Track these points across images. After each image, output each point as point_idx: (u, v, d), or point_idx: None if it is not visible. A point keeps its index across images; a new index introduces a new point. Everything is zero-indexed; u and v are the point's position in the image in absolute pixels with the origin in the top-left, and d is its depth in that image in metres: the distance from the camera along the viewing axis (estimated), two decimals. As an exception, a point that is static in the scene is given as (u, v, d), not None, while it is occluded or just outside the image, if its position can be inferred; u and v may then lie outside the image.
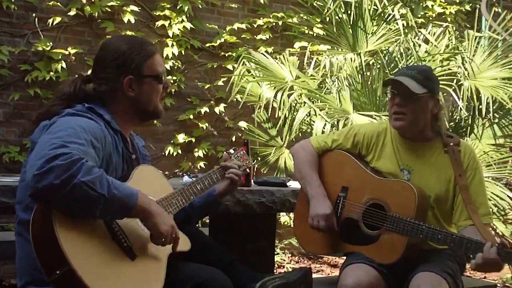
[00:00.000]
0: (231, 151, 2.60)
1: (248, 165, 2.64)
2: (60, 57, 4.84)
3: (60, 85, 4.76)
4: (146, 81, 2.11)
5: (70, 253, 1.69)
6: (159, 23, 5.32)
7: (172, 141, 5.41)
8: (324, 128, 4.11)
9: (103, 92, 2.10)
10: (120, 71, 2.08)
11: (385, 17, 4.65)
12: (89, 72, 2.25)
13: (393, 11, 4.63)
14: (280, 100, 4.42)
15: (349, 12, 4.55)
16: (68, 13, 4.94)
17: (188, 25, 5.41)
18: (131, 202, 1.82)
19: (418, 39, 4.63)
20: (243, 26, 5.68)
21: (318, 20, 5.39)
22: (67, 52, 4.89)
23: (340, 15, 4.62)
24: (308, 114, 4.36)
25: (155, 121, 5.17)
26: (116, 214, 1.83)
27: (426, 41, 4.66)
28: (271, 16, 5.82)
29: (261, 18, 5.77)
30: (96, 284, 1.72)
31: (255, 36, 5.78)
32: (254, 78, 4.74)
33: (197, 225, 2.82)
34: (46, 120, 1.98)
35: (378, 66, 4.58)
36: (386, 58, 4.57)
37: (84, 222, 1.80)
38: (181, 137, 5.40)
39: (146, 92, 2.12)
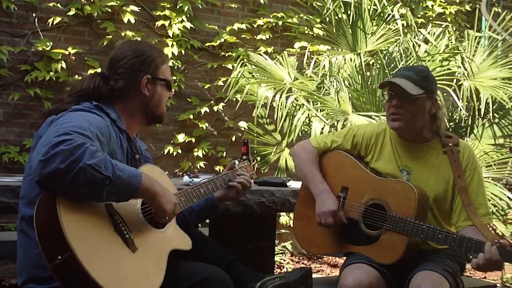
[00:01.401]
0: (236, 162, 2.61)
1: (251, 176, 2.67)
2: (60, 57, 4.84)
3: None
4: (160, 84, 2.20)
5: (72, 239, 1.71)
6: (159, 23, 5.32)
7: (172, 141, 5.41)
8: (322, 129, 4.11)
9: (118, 89, 2.14)
10: (140, 69, 2.15)
11: (385, 17, 4.65)
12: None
13: (392, 11, 4.63)
14: (279, 102, 4.42)
15: (348, 12, 4.55)
16: (68, 13, 4.94)
17: (188, 25, 5.41)
18: (135, 183, 1.85)
19: (417, 39, 4.63)
20: (243, 26, 5.68)
21: (318, 20, 5.39)
22: (67, 52, 4.89)
23: (339, 15, 4.62)
24: (307, 116, 4.36)
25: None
26: (122, 195, 1.86)
27: (426, 41, 4.66)
28: (271, 16, 5.82)
29: (261, 18, 5.77)
30: (97, 272, 1.73)
31: (255, 36, 5.78)
32: (253, 79, 4.74)
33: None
34: (53, 115, 2.00)
35: (378, 66, 4.58)
36: (386, 58, 4.57)
37: (88, 211, 1.82)
38: (181, 137, 5.40)
39: (158, 95, 2.20)
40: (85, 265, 1.71)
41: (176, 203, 2.03)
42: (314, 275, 2.63)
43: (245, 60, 4.82)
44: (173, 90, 2.31)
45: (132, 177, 1.85)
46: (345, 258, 2.69)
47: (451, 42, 4.58)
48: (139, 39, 5.10)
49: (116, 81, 2.15)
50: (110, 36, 5.04)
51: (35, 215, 1.77)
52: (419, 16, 6.41)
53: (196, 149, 5.47)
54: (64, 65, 4.83)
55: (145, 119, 2.23)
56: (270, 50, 5.71)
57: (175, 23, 5.33)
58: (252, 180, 2.67)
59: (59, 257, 1.71)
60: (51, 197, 1.75)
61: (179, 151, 5.40)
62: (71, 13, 4.94)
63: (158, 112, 2.23)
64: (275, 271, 4.29)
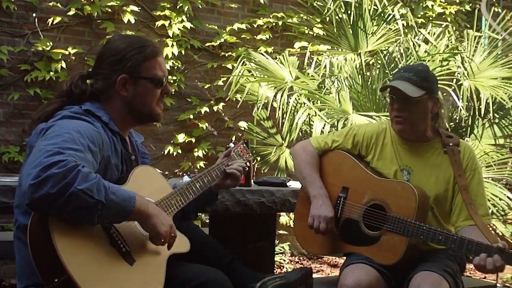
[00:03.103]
0: (231, 145, 2.57)
1: (248, 159, 2.62)
2: (60, 57, 4.84)
3: (60, 85, 4.78)
4: (141, 83, 2.07)
5: (68, 262, 1.67)
6: (159, 23, 5.32)
7: (172, 141, 5.41)
8: (323, 128, 4.11)
9: (98, 89, 2.07)
10: (115, 69, 2.04)
11: (385, 17, 4.65)
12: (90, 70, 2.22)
13: (393, 11, 4.63)
14: (280, 101, 4.42)
15: (349, 12, 4.55)
16: (68, 13, 4.94)
17: (188, 25, 5.41)
18: (128, 206, 1.79)
19: (418, 39, 4.63)
20: (243, 26, 5.68)
21: (318, 20, 5.39)
22: (67, 52, 4.89)
23: (340, 15, 4.62)
24: (308, 115, 4.36)
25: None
26: (114, 219, 1.81)
27: (426, 41, 4.67)
28: (271, 16, 5.82)
29: (261, 18, 5.77)
30: None
31: (255, 36, 5.78)
32: (254, 78, 4.75)
33: (197, 225, 2.81)
34: (43, 121, 1.95)
35: (378, 66, 4.58)
36: (386, 58, 4.57)
37: (82, 228, 1.77)
38: (181, 137, 5.40)
39: (140, 94, 2.07)
40: (83, 287, 1.68)
41: (172, 225, 1.95)
42: (314, 275, 2.63)
43: (246, 59, 4.81)
44: (167, 85, 2.16)
45: (125, 200, 1.78)
46: (345, 258, 2.68)
47: (451, 42, 4.58)
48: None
49: (95, 81, 2.08)
50: (110, 36, 5.03)
51: (29, 236, 1.73)
52: (419, 16, 6.41)
53: (196, 149, 5.46)
54: (64, 65, 4.83)
55: (134, 119, 2.13)
56: (270, 50, 5.70)
57: (175, 23, 5.33)
58: (248, 162, 2.60)
59: (56, 280, 1.68)
60: (43, 217, 1.71)
61: (179, 151, 5.39)
62: (71, 13, 4.94)
63: (145, 111, 2.10)
64: (275, 271, 4.29)
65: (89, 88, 2.08)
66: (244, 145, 2.63)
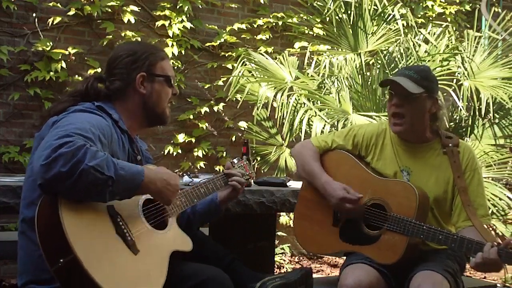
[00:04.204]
0: (235, 160, 2.62)
1: (250, 175, 2.67)
2: (60, 57, 4.83)
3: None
4: (157, 81, 2.18)
5: (75, 242, 1.71)
6: (159, 23, 5.32)
7: (172, 141, 5.41)
8: (323, 128, 4.11)
9: (115, 89, 2.14)
10: (133, 67, 2.14)
11: (385, 17, 4.65)
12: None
13: (393, 11, 4.63)
14: (280, 101, 4.42)
15: (349, 12, 4.55)
16: (68, 13, 4.94)
17: (188, 25, 5.41)
18: (138, 180, 1.86)
19: (418, 39, 4.63)
20: (243, 26, 5.68)
21: (318, 20, 5.39)
22: (67, 52, 4.89)
23: (340, 15, 4.62)
24: (308, 115, 4.36)
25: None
26: (125, 193, 1.86)
27: (426, 41, 4.66)
28: (271, 16, 5.82)
29: (261, 18, 5.77)
30: (98, 274, 1.73)
31: (255, 36, 5.78)
32: (254, 78, 4.75)
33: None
34: (54, 116, 2.00)
35: (378, 66, 4.58)
36: (386, 58, 4.57)
37: (90, 213, 1.82)
38: (181, 137, 5.40)
39: (156, 92, 2.18)
40: (87, 268, 1.70)
41: (177, 190, 2.04)
42: (314, 275, 2.63)
43: (245, 59, 4.82)
44: (174, 86, 2.28)
45: (134, 174, 1.85)
46: (345, 258, 2.68)
47: (451, 42, 4.58)
48: (139, 39, 5.10)
49: (112, 82, 2.15)
50: (110, 36, 5.04)
51: (37, 217, 1.77)
52: (419, 16, 6.41)
53: (196, 149, 5.46)
54: (64, 65, 4.83)
55: (146, 119, 2.21)
56: (270, 50, 5.70)
57: (175, 23, 5.33)
58: (251, 180, 2.67)
59: (61, 260, 1.70)
60: (52, 200, 1.75)
61: (179, 151, 5.40)
62: (71, 13, 4.94)
63: (158, 110, 2.20)
64: (275, 271, 4.29)
65: (104, 90, 2.16)
66: (247, 161, 2.67)
